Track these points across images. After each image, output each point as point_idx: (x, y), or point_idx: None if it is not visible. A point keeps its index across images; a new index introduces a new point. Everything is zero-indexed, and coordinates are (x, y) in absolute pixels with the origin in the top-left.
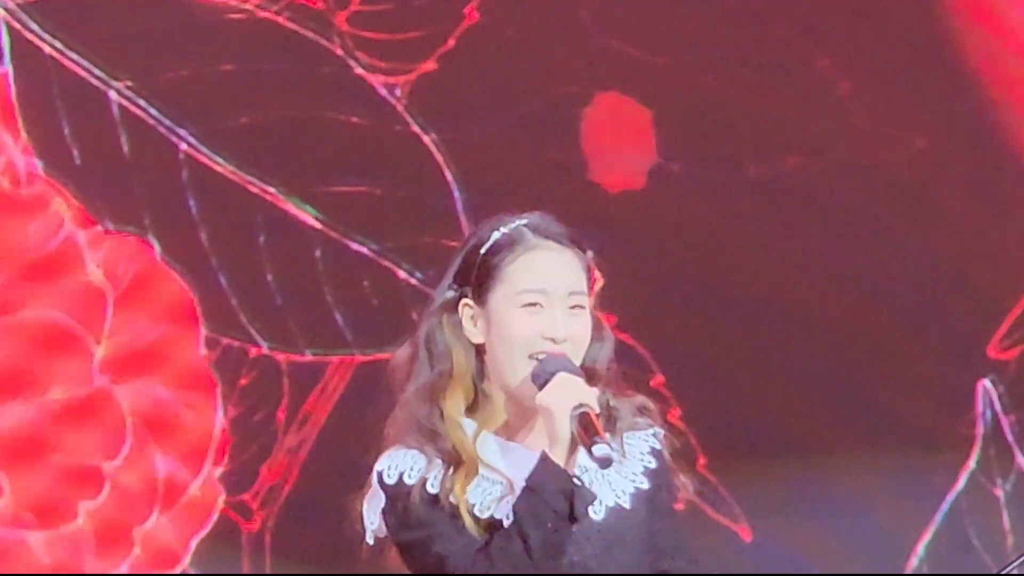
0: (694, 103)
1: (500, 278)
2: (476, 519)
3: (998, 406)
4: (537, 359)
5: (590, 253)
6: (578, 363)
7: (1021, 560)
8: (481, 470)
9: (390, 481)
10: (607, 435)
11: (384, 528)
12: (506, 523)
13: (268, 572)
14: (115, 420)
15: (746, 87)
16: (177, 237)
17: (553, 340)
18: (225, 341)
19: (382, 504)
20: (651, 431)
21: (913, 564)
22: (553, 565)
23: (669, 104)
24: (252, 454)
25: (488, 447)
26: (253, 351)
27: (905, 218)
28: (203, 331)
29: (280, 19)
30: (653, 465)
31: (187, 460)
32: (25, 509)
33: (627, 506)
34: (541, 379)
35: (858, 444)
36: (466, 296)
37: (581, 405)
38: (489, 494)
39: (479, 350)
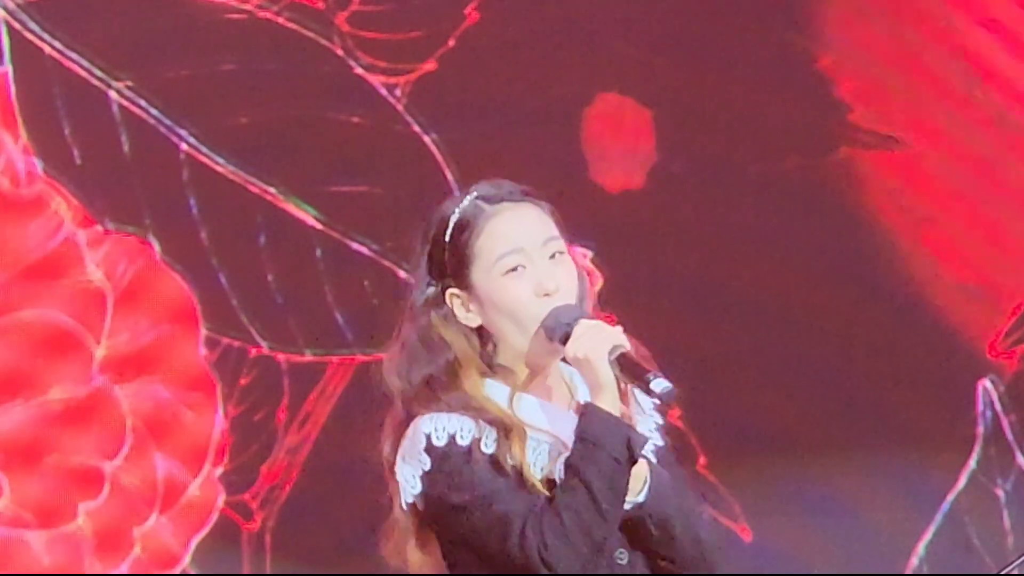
0: (694, 103)
1: (473, 256)
2: (538, 480)
3: (998, 406)
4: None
5: (547, 205)
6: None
7: (1021, 560)
8: (528, 432)
9: (439, 443)
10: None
11: (423, 492)
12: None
13: (268, 572)
14: (115, 420)
15: (746, 87)
16: (177, 237)
17: (548, 295)
18: (225, 341)
19: (426, 467)
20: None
21: (913, 564)
22: (618, 511)
23: (669, 104)
24: (252, 454)
25: (528, 408)
26: (253, 351)
27: (905, 218)
28: (203, 331)
29: (280, 19)
30: (661, 421)
31: (187, 460)
32: (25, 509)
33: (658, 443)
34: (559, 332)
35: (858, 444)
36: (449, 287)
37: (616, 347)
38: (540, 454)
39: (480, 332)
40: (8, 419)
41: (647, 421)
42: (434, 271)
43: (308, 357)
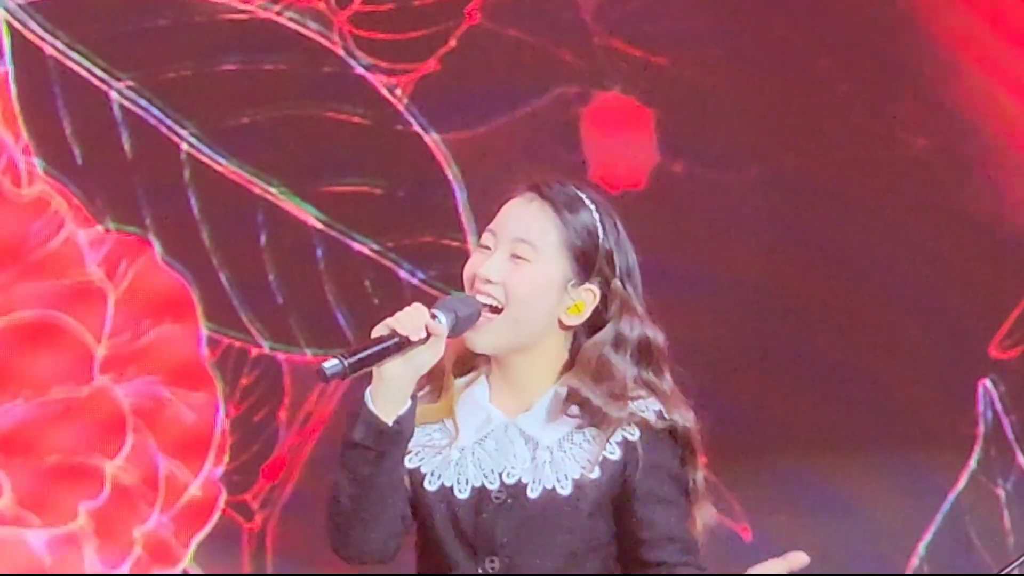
0: (694, 103)
1: None
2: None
3: (999, 406)
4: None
5: (596, 221)
6: (528, 320)
7: (1022, 560)
8: (445, 421)
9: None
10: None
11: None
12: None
13: (268, 572)
14: (115, 420)
15: (746, 87)
16: (178, 237)
17: (486, 280)
18: (226, 341)
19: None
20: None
21: (913, 564)
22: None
23: (669, 104)
24: (252, 454)
25: (465, 400)
26: (254, 351)
27: (905, 218)
28: (204, 331)
29: (281, 19)
30: (617, 455)
31: (188, 460)
32: (25, 509)
33: (594, 477)
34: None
35: (858, 444)
36: None
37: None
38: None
39: None
40: (9, 418)
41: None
42: None
43: (309, 357)
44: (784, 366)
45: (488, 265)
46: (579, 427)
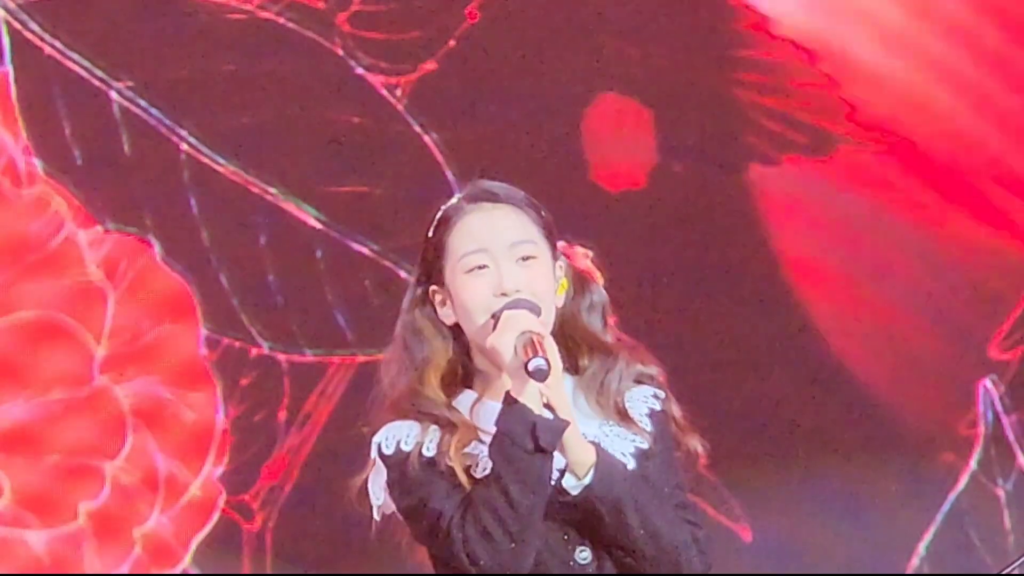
0: (694, 103)
1: (446, 254)
2: (472, 478)
3: (999, 406)
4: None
5: (532, 201)
6: (549, 316)
7: (1022, 560)
8: (481, 436)
9: (388, 451)
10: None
11: (390, 502)
12: None
13: (268, 572)
14: (115, 420)
15: (746, 87)
16: (178, 237)
17: (505, 294)
18: (226, 341)
19: (384, 477)
20: (651, 392)
21: (914, 564)
22: (532, 502)
23: (669, 104)
24: (252, 454)
25: (485, 414)
26: (254, 351)
27: (905, 218)
28: (204, 331)
29: (281, 19)
30: (650, 428)
31: (188, 460)
32: (25, 509)
33: (630, 466)
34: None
35: (858, 444)
36: (432, 283)
37: (524, 333)
38: (484, 454)
39: (456, 330)
40: (8, 418)
41: (632, 425)
42: (421, 270)
43: (309, 357)
44: (784, 366)
45: (507, 278)
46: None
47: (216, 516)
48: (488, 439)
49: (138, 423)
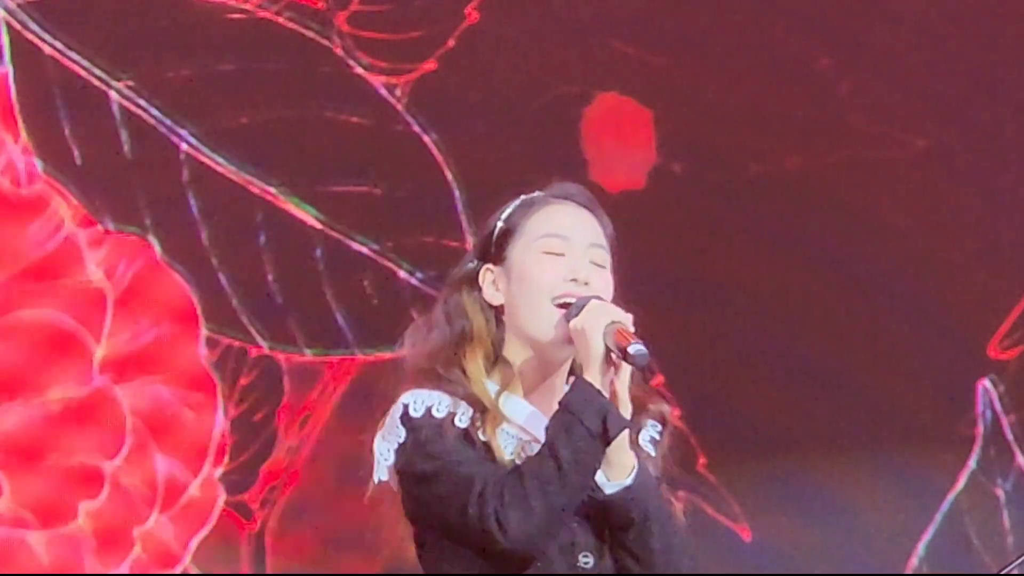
0: (694, 103)
1: (519, 233)
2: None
3: (998, 406)
4: (564, 302)
5: (612, 233)
6: None
7: (1021, 560)
8: (504, 425)
9: (416, 414)
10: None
11: (390, 473)
12: None
13: (268, 572)
14: (115, 420)
15: (746, 87)
16: (177, 237)
17: (576, 280)
18: (225, 341)
19: (401, 439)
20: (655, 424)
21: (913, 564)
22: (580, 484)
23: (669, 104)
24: (252, 454)
25: (512, 405)
26: (253, 351)
27: (905, 218)
28: (203, 331)
29: (280, 19)
30: (652, 453)
31: (187, 460)
32: (25, 509)
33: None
34: (574, 311)
35: (858, 444)
36: (486, 263)
37: (614, 322)
38: (508, 444)
39: (499, 313)
40: (8, 419)
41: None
42: (478, 250)
43: (308, 357)
44: (784, 366)
45: (582, 268)
46: None
47: (215, 516)
48: (512, 428)
49: (138, 423)
